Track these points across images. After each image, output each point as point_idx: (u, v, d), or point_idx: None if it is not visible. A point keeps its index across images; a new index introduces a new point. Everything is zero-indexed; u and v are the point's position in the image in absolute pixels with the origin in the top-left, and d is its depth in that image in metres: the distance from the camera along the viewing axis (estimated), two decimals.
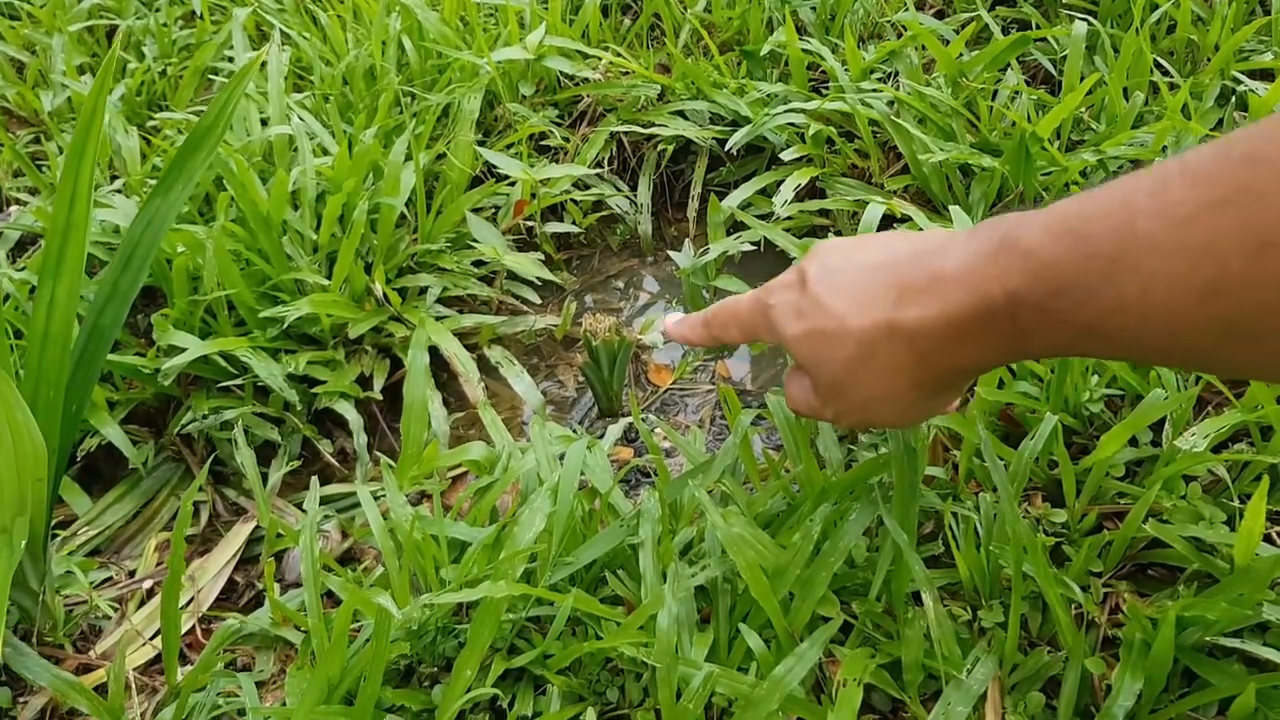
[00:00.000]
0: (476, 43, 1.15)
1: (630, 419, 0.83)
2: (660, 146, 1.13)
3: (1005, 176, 0.89)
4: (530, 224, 1.09)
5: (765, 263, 1.02)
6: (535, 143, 1.14)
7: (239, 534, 0.80)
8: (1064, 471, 0.60)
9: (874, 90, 1.00)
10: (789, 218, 0.98)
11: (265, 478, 0.84)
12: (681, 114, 1.12)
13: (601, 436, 0.77)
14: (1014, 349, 0.37)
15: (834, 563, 0.54)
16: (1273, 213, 0.26)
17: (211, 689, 0.61)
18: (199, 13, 1.39)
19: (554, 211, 1.11)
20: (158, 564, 0.79)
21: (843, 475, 0.59)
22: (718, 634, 0.55)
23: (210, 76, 1.27)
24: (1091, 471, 0.60)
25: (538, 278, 1.03)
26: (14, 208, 1.14)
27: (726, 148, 1.04)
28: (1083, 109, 0.98)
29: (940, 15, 1.20)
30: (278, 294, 0.93)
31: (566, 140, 1.14)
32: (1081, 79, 0.96)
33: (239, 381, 0.87)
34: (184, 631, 0.70)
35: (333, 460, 0.90)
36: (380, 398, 0.92)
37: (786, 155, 1.02)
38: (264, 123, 1.06)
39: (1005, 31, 1.14)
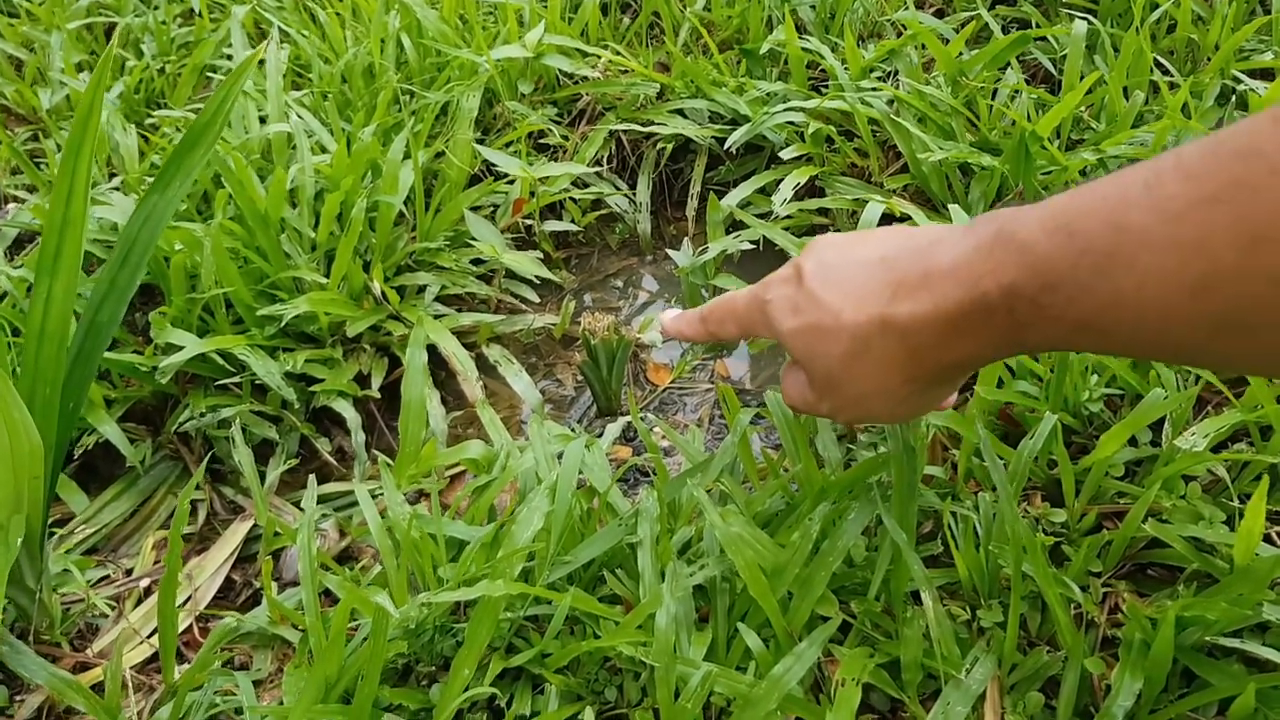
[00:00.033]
0: (475, 41, 1.15)
1: (629, 418, 0.82)
2: (659, 145, 1.13)
3: (1005, 176, 0.89)
4: (529, 222, 1.08)
5: (764, 262, 1.02)
6: (534, 141, 1.14)
7: (236, 532, 0.80)
8: (1063, 471, 0.59)
9: (873, 89, 1.00)
10: (788, 216, 0.98)
11: (263, 476, 0.84)
12: (681, 112, 1.12)
13: (600, 435, 0.76)
14: (1009, 343, 0.37)
15: (833, 562, 0.53)
16: (1265, 206, 0.26)
17: (209, 688, 0.61)
18: (197, 10, 1.39)
19: (553, 210, 1.11)
20: (155, 562, 0.79)
21: (842, 474, 0.59)
22: (716, 633, 0.55)
23: (209, 74, 1.27)
24: (1091, 471, 0.60)
25: (536, 276, 1.03)
26: (11, 205, 1.14)
27: (726, 146, 1.04)
28: (1083, 108, 0.98)
29: (940, 14, 1.20)
30: (275, 292, 0.92)
31: (565, 139, 1.13)
32: (1081, 78, 0.96)
33: (237, 380, 0.87)
34: (181, 630, 0.70)
35: (330, 459, 0.90)
36: (378, 396, 0.92)
37: (786, 154, 1.01)
38: (262, 120, 1.06)
39: (1005, 30, 1.14)
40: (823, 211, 1.00)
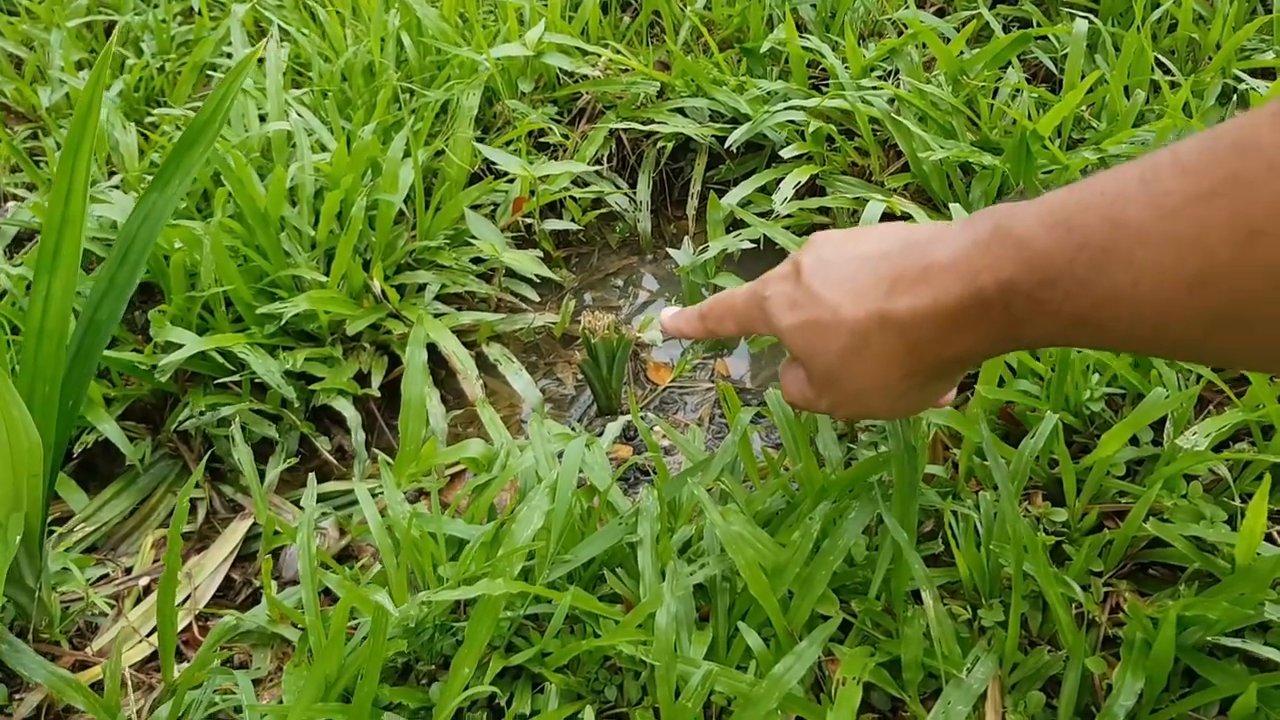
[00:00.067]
0: (475, 39, 1.15)
1: (629, 417, 0.82)
2: (660, 144, 1.13)
3: (1006, 175, 0.89)
4: (529, 221, 1.08)
5: (765, 260, 1.01)
6: (534, 140, 1.14)
7: (236, 531, 0.80)
8: (1064, 470, 0.59)
9: (874, 88, 1.00)
10: (789, 215, 0.98)
11: (262, 475, 0.84)
12: (681, 111, 1.12)
13: (600, 434, 0.76)
14: (1006, 338, 0.37)
15: (833, 561, 0.53)
16: (1262, 200, 0.26)
17: (208, 686, 0.61)
18: (197, 9, 1.38)
19: (553, 209, 1.11)
20: (154, 561, 0.79)
21: (842, 473, 0.59)
22: (716, 632, 0.55)
23: (209, 72, 1.27)
24: (1092, 470, 0.59)
25: (536, 275, 1.03)
26: (11, 203, 1.14)
27: (726, 145, 1.04)
28: (1084, 107, 0.98)
29: (941, 13, 1.20)
30: (275, 290, 0.92)
31: (565, 137, 1.13)
32: (1082, 77, 0.96)
33: (236, 378, 0.87)
34: (180, 629, 0.70)
35: (330, 457, 0.89)
36: (378, 395, 0.92)
37: (786, 153, 1.01)
38: (262, 119, 1.06)
39: (1006, 29, 1.14)
40: (823, 210, 1.00)
